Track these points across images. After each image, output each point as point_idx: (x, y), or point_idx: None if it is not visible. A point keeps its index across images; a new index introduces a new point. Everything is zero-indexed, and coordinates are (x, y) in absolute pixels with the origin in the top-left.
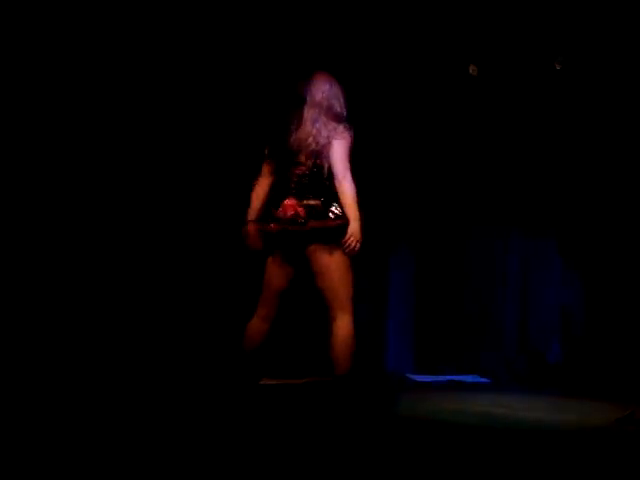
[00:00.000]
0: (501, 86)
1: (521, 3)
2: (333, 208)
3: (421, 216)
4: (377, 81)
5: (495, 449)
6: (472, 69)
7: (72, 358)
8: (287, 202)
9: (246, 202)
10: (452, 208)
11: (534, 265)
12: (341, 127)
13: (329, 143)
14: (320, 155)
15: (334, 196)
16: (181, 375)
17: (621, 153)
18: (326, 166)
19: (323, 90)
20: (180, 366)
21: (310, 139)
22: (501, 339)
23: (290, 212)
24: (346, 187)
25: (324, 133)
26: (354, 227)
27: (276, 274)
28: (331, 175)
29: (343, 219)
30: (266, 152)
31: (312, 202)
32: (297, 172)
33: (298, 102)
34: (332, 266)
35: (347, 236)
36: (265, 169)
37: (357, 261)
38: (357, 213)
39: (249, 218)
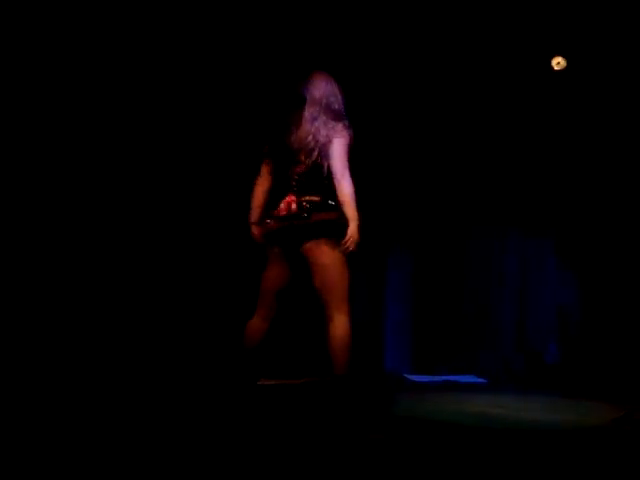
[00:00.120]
0: (499, 87)
1: (520, 3)
2: (333, 205)
3: (419, 216)
4: (375, 81)
5: (492, 449)
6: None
7: (72, 358)
8: (288, 198)
9: (246, 202)
10: (450, 208)
11: (531, 265)
12: (340, 125)
13: (329, 142)
14: (320, 153)
15: (332, 195)
16: (180, 375)
17: (618, 154)
18: (325, 165)
19: (321, 89)
20: (179, 366)
21: (310, 137)
22: (498, 339)
23: (294, 206)
24: (345, 186)
25: (323, 132)
26: (352, 227)
27: (274, 273)
28: (330, 174)
29: (341, 214)
30: (265, 152)
31: (313, 198)
32: (297, 170)
33: (297, 101)
34: (329, 264)
35: (346, 237)
36: (264, 169)
37: (355, 261)
38: (355, 213)
39: (251, 220)
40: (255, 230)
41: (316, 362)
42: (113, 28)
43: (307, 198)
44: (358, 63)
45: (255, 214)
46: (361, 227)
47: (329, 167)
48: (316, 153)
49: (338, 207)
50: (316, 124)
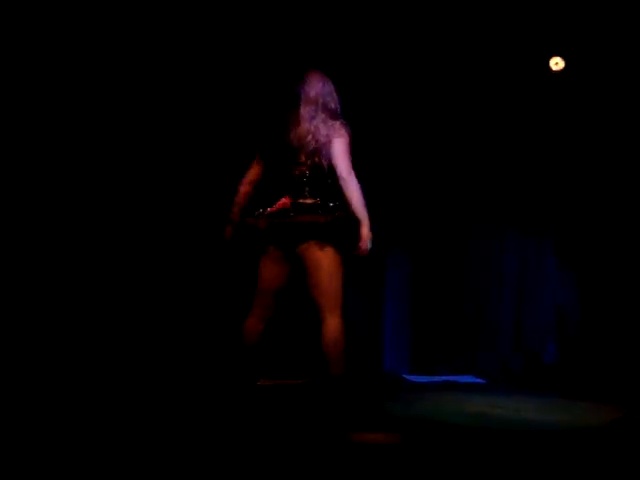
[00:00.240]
0: (497, 87)
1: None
2: (329, 206)
3: (418, 216)
4: (374, 82)
5: (490, 449)
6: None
7: (69, 358)
8: (284, 199)
9: (246, 206)
10: (448, 208)
11: (530, 265)
12: (338, 124)
13: (329, 141)
14: (320, 153)
15: (334, 196)
16: (178, 375)
17: (617, 154)
18: (326, 165)
19: (317, 88)
20: (177, 366)
21: (309, 137)
22: (497, 339)
23: (286, 207)
24: (352, 188)
25: (323, 131)
26: (364, 231)
27: (269, 274)
28: (331, 173)
29: (335, 216)
30: (259, 150)
31: (308, 201)
32: (297, 172)
33: (293, 101)
34: (323, 265)
35: (360, 242)
36: (253, 166)
37: (353, 261)
38: (366, 215)
39: (230, 216)
40: (228, 228)
41: (316, 362)
42: (111, 26)
43: (302, 200)
44: (356, 63)
45: (235, 210)
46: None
47: (330, 168)
48: (316, 152)
49: (337, 209)
50: (314, 122)
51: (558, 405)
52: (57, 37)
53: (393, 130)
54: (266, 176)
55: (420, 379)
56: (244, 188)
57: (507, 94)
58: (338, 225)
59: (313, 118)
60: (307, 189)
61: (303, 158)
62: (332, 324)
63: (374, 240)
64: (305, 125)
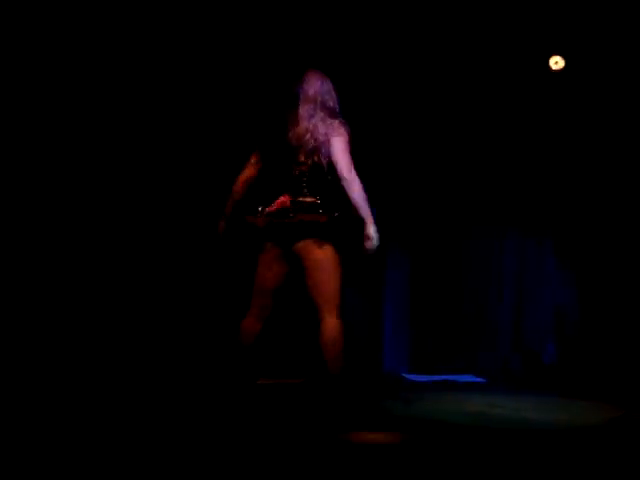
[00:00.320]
0: (497, 87)
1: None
2: (328, 205)
3: (417, 216)
4: (373, 81)
5: (490, 449)
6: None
7: (68, 358)
8: (283, 198)
9: (241, 202)
10: (448, 208)
11: (530, 265)
12: (336, 123)
13: (327, 140)
14: (319, 152)
15: (333, 194)
16: (177, 375)
17: (617, 154)
18: (325, 164)
19: (315, 87)
20: (176, 366)
21: (308, 135)
22: (496, 339)
23: (277, 206)
24: (354, 187)
25: (322, 130)
26: (370, 229)
27: (267, 273)
28: (330, 172)
29: (335, 216)
30: (256, 150)
31: (307, 199)
32: (296, 171)
33: (291, 100)
34: (321, 263)
35: (366, 241)
36: (251, 162)
37: (353, 261)
38: (369, 213)
39: (225, 210)
40: (221, 223)
41: (315, 362)
42: (110, 25)
43: (301, 199)
44: (355, 63)
45: (229, 204)
46: (361, 227)
47: (329, 166)
48: (315, 151)
49: (336, 208)
50: (313, 121)
51: (557, 404)
52: (57, 37)
53: (393, 130)
54: (265, 175)
55: (420, 378)
56: (239, 184)
57: (507, 94)
58: (337, 225)
59: (312, 117)
60: (306, 188)
61: (302, 157)
62: (330, 324)
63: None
64: (304, 124)
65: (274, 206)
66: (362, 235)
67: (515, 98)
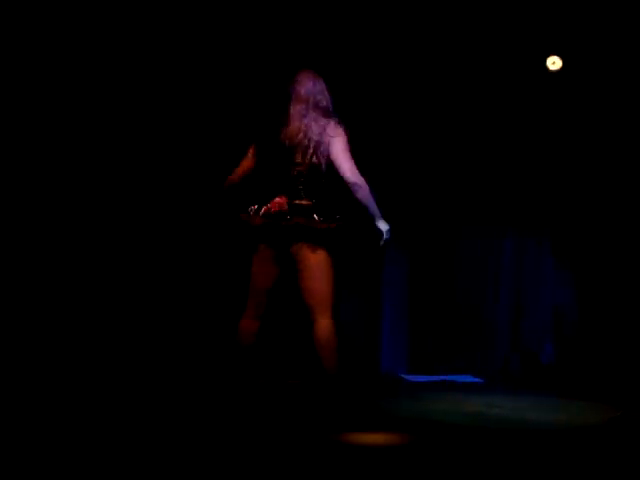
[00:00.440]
0: (494, 87)
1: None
2: (324, 209)
3: (415, 216)
4: (371, 81)
5: (488, 449)
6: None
7: (70, 358)
8: (279, 199)
9: (240, 202)
10: (446, 208)
11: (527, 265)
12: (332, 123)
13: (323, 141)
14: (316, 152)
15: (329, 197)
16: (176, 375)
17: (615, 154)
18: (323, 165)
19: (307, 86)
20: (175, 366)
21: (301, 135)
22: (495, 339)
23: (275, 208)
24: (360, 187)
25: (315, 129)
26: (384, 226)
27: (262, 273)
28: (328, 173)
29: (330, 223)
30: (252, 148)
31: (303, 202)
32: (293, 172)
33: (284, 100)
34: (315, 265)
35: (382, 241)
36: (245, 162)
37: (352, 261)
38: (378, 211)
39: (224, 184)
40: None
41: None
42: (110, 25)
43: (298, 202)
44: (351, 62)
45: (226, 186)
46: (357, 228)
47: (328, 167)
48: (311, 151)
49: (331, 211)
50: (305, 121)
51: (556, 404)
52: (56, 37)
53: (391, 130)
54: (260, 174)
55: (418, 379)
56: (237, 173)
57: (504, 94)
58: (333, 230)
59: (304, 116)
60: (303, 190)
61: (300, 158)
62: (323, 324)
63: (375, 239)
64: (295, 124)
65: (270, 207)
66: (360, 237)
67: (513, 98)
